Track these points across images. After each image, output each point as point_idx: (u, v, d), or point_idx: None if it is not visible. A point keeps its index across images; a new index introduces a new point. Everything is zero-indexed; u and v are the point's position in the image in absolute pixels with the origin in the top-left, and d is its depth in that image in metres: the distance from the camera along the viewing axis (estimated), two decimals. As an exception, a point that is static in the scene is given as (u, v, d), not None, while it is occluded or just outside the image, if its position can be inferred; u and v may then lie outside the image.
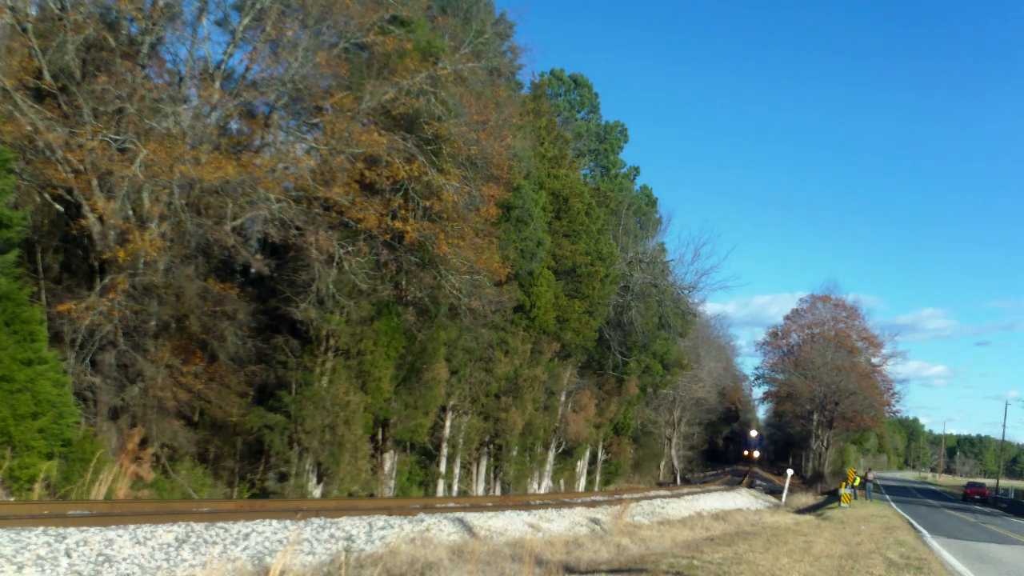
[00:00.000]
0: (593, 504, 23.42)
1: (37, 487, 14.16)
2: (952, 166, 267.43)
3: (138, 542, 10.47)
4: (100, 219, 16.08)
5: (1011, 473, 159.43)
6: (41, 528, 10.01)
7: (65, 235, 17.17)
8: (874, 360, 74.65)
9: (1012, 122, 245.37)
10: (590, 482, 42.24)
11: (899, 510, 37.92)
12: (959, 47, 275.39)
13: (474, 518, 16.58)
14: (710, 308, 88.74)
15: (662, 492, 35.46)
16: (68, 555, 9.58)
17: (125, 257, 15.86)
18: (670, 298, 40.61)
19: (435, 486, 25.92)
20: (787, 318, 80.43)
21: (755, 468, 77.75)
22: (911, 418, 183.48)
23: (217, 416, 19.07)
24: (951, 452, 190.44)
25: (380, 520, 14.36)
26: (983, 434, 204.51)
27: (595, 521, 20.06)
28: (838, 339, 71.56)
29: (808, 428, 73.96)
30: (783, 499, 43.22)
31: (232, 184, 16.46)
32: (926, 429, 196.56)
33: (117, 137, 16.00)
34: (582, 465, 40.14)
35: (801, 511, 35.73)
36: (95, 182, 15.82)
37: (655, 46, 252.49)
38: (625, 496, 28.09)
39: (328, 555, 12.08)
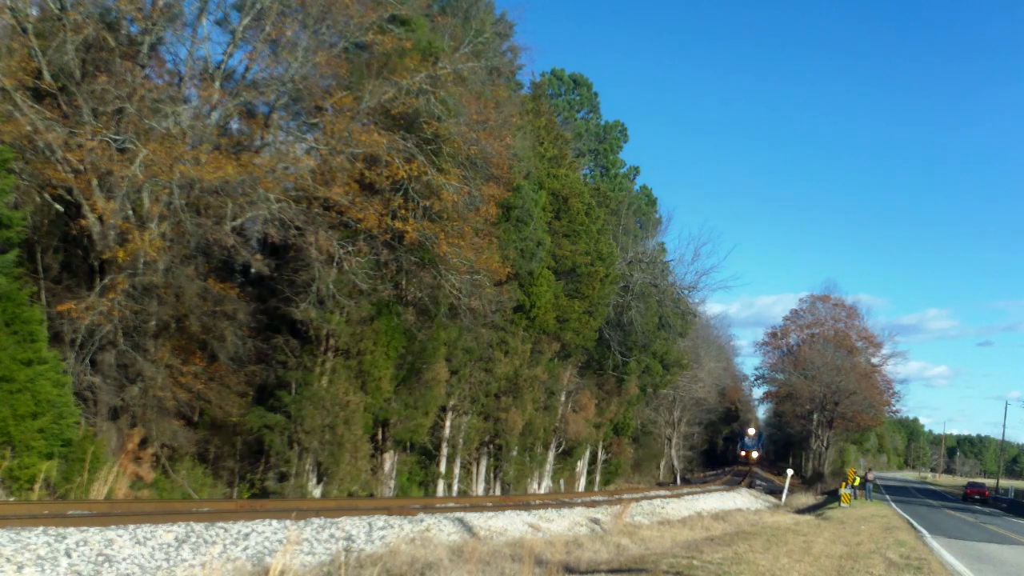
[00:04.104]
0: (593, 504, 23.42)
1: (37, 487, 14.16)
2: (956, 166, 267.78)
3: (138, 542, 10.47)
4: (100, 219, 16.08)
5: (1011, 473, 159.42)
6: (41, 528, 10.01)
7: (65, 235, 17.17)
8: (874, 360, 74.71)
9: (1016, 121, 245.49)
10: (590, 482, 42.24)
11: (899, 510, 37.92)
12: (961, 46, 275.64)
13: (474, 518, 16.58)
14: (711, 308, 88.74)
15: (662, 492, 35.47)
16: (68, 555, 9.58)
17: (125, 257, 15.86)
18: (670, 298, 40.62)
19: (435, 486, 25.92)
20: (786, 318, 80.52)
21: (755, 468, 77.49)
22: (911, 418, 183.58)
23: (217, 416, 19.06)
24: (951, 452, 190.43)
25: (380, 520, 14.36)
26: (983, 434, 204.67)
27: (595, 521, 20.06)
28: (837, 339, 71.56)
29: (808, 428, 73.89)
30: (783, 499, 43.22)
31: (232, 184, 16.46)
32: (926, 429, 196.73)
33: (117, 137, 16.00)
34: (582, 465, 40.14)
35: (801, 511, 35.72)
36: (95, 182, 15.83)
37: (655, 46, 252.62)
38: (625, 496, 28.09)
39: (328, 555, 12.08)
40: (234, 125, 19.57)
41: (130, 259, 16.03)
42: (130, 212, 16.38)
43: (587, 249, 30.75)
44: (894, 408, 77.60)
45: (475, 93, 21.58)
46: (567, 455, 36.89)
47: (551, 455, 34.66)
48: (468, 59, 21.10)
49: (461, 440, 26.91)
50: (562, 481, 36.90)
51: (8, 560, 9.04)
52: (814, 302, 76.80)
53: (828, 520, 26.37)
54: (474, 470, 29.26)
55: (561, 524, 18.62)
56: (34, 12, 16.28)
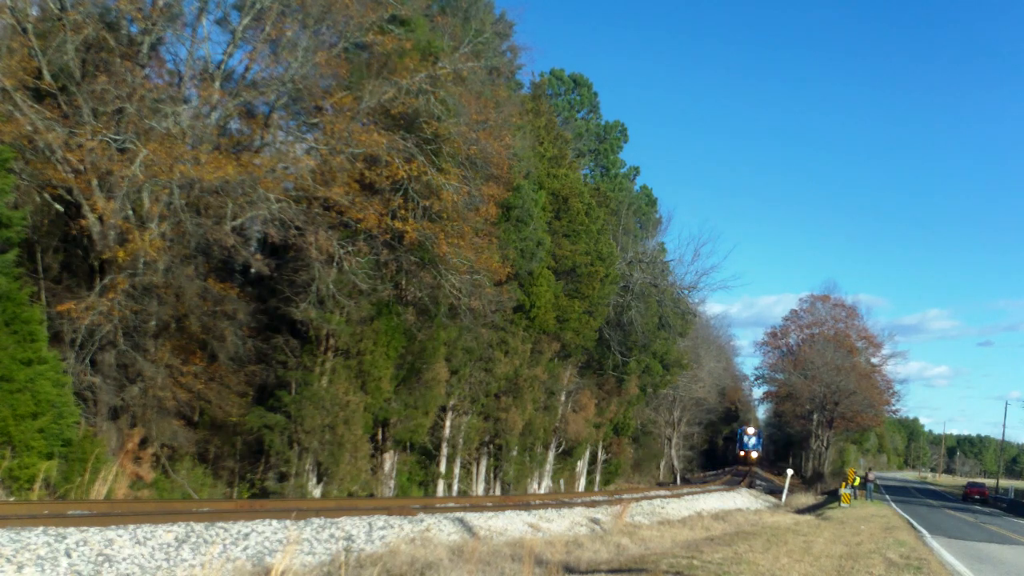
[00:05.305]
0: (593, 504, 23.42)
1: (37, 487, 14.16)
2: (956, 166, 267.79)
3: (138, 542, 10.47)
4: (100, 219, 16.08)
5: (1011, 473, 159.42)
6: (41, 528, 10.01)
7: (65, 235, 17.18)
8: (874, 360, 74.71)
9: (1016, 121, 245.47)
10: (590, 482, 42.24)
11: (899, 510, 37.92)
12: (961, 46, 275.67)
13: (474, 518, 16.58)
14: (711, 308, 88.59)
15: (662, 492, 35.46)
16: (68, 555, 9.58)
17: (125, 257, 15.86)
18: (670, 298, 40.61)
19: (435, 486, 25.92)
20: (786, 319, 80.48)
21: (755, 468, 77.34)
22: (911, 418, 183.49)
23: (217, 416, 19.07)
24: (951, 452, 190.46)
25: (380, 520, 14.36)
26: (983, 434, 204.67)
27: (595, 521, 20.06)
28: (837, 339, 71.54)
29: (808, 428, 73.89)
30: (783, 499, 43.23)
31: (232, 184, 16.46)
32: (926, 429, 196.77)
33: (117, 137, 16.00)
34: (582, 465, 40.14)
35: (801, 511, 35.73)
36: (95, 182, 15.83)
37: (655, 46, 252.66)
38: (625, 496, 28.09)
39: (328, 555, 12.08)
40: (234, 125, 19.57)
41: (130, 259, 16.03)
42: (130, 212, 16.38)
43: (587, 249, 30.75)
44: (894, 408, 77.61)
45: (475, 93, 21.58)
46: (567, 455, 36.89)
47: (551, 455, 34.66)
48: (468, 59, 21.10)
49: (461, 440, 26.91)
50: (562, 481, 36.91)
51: (8, 560, 9.03)
52: (814, 302, 76.85)
53: (828, 520, 26.37)
54: (474, 470, 29.26)
55: (561, 524, 18.62)
56: (34, 12, 16.28)
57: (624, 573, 11.21)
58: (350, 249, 18.86)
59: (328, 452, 19.71)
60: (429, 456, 26.15)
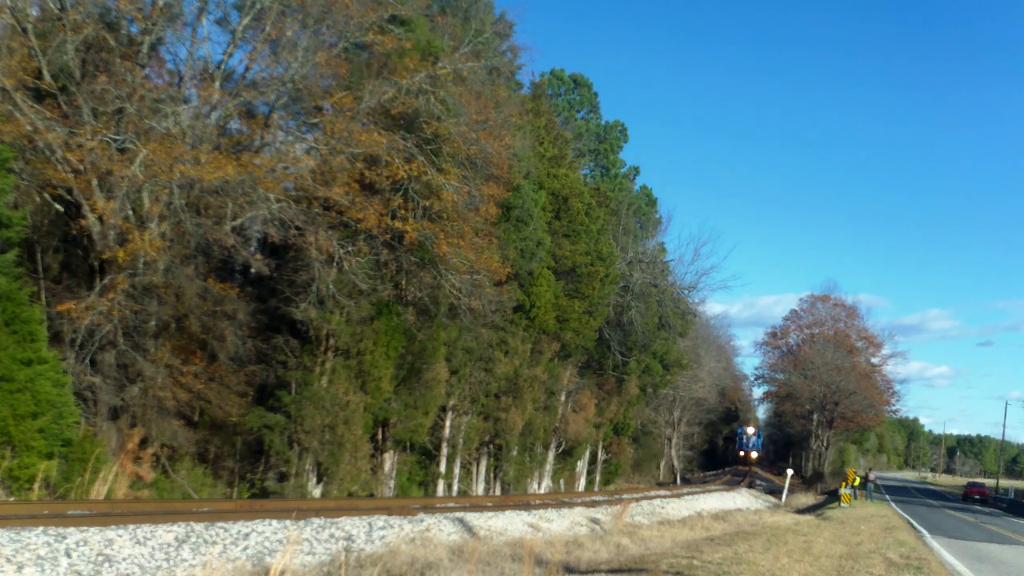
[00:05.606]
0: (593, 504, 23.41)
1: (37, 487, 14.16)
2: (956, 166, 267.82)
3: (138, 542, 10.47)
4: (100, 219, 16.08)
5: (1011, 473, 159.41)
6: (41, 528, 10.01)
7: (65, 235, 17.18)
8: (874, 360, 74.70)
9: (1016, 121, 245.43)
10: (590, 482, 42.24)
11: (899, 510, 37.92)
12: (961, 46, 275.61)
13: (474, 518, 16.58)
14: (711, 308, 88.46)
15: (662, 492, 35.46)
16: (68, 555, 9.58)
17: (125, 257, 15.86)
18: (670, 298, 40.61)
19: (435, 486, 25.92)
20: (786, 318, 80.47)
21: (755, 468, 77.27)
22: (911, 418, 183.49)
23: (217, 416, 19.07)
24: (951, 452, 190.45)
25: (380, 520, 14.36)
26: (983, 434, 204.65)
27: (595, 521, 20.06)
28: (837, 339, 71.54)
29: (808, 428, 73.88)
30: (783, 499, 43.22)
31: (232, 184, 16.46)
32: (926, 429, 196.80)
33: (117, 137, 16.00)
34: (582, 465, 40.14)
35: (801, 511, 35.73)
36: (95, 182, 15.83)
37: (655, 46, 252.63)
38: (625, 496, 28.09)
39: (328, 555, 12.08)
40: (234, 125, 19.57)
41: (130, 259, 16.03)
42: (130, 212, 16.38)
43: (587, 249, 30.75)
44: (894, 408, 77.58)
45: (475, 93, 21.57)
46: (567, 455, 36.88)
47: (551, 455, 34.66)
48: (468, 59, 21.10)
49: (461, 440, 26.91)
50: (562, 481, 36.90)
51: (8, 560, 9.03)
52: (814, 302, 76.84)
53: (828, 520, 26.37)
54: (474, 470, 29.25)
55: (561, 524, 18.62)
56: (34, 12, 16.28)
57: (624, 573, 11.21)
58: (350, 249, 18.86)
59: (328, 452, 19.71)
60: (429, 456, 26.15)
